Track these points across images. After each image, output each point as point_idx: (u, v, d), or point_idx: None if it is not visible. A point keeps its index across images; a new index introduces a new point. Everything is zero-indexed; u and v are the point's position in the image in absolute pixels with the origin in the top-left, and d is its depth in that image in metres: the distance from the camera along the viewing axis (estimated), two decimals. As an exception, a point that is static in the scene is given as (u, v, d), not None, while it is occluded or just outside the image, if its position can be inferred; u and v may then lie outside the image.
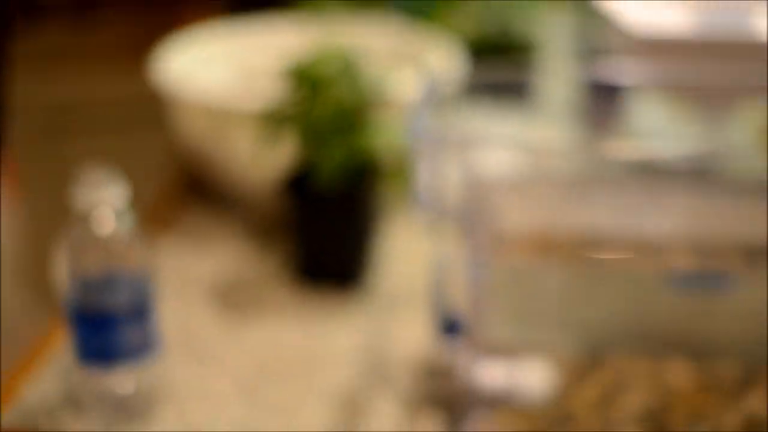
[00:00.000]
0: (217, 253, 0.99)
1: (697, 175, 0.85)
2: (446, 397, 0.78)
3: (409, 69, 1.08)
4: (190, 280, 0.94)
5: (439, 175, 0.73)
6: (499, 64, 1.29)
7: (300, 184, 0.90)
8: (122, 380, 0.71)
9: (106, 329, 0.68)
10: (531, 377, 0.73)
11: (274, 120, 0.90)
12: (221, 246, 1.00)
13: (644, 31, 0.88)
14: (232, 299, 0.91)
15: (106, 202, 0.67)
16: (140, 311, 0.69)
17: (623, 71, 1.31)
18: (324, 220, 0.91)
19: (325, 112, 0.89)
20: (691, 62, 0.91)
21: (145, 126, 1.46)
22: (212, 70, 1.12)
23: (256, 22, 1.22)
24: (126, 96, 1.81)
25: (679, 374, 0.72)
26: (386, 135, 0.90)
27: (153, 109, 1.12)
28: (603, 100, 1.17)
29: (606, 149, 0.99)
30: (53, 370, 0.78)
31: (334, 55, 0.90)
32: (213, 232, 1.03)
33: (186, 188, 1.13)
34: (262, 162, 0.95)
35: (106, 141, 1.85)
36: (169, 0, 2.25)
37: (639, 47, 0.88)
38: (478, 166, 0.78)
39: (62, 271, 0.68)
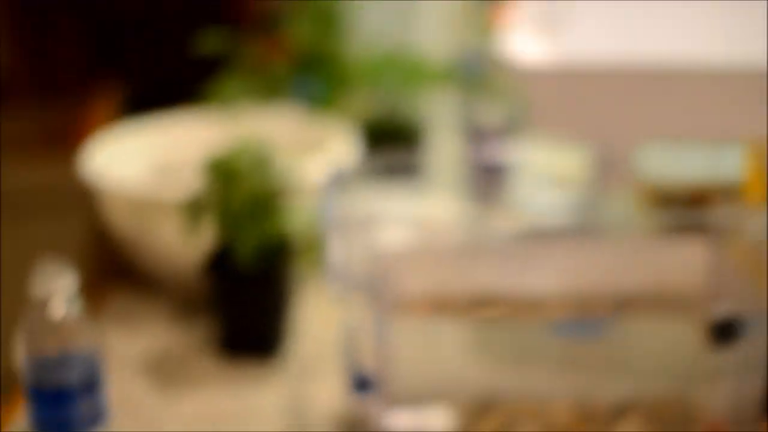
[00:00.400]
0: (147, 331, 1.08)
1: (572, 237, 0.98)
2: (363, 446, 0.88)
3: (312, 155, 1.20)
4: (124, 357, 1.03)
5: (347, 250, 0.85)
6: (393, 146, 1.42)
7: (220, 265, 1.01)
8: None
9: (61, 403, 0.77)
10: (434, 422, 0.84)
11: (193, 209, 1.01)
12: (150, 324, 1.10)
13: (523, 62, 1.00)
14: (164, 372, 1.00)
15: (58, 289, 0.77)
16: (91, 385, 0.79)
17: (506, 149, 1.46)
18: (243, 296, 1.01)
19: (240, 201, 1.00)
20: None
21: (69, 213, 1.54)
22: (133, 164, 1.22)
23: (171, 117, 1.32)
24: (47, 185, 1.88)
25: (561, 410, 0.84)
26: (297, 217, 1.01)
27: (77, 198, 1.21)
28: (488, 176, 1.30)
29: (492, 219, 1.13)
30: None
31: (247, 148, 1.01)
32: (142, 312, 1.12)
33: (114, 272, 1.22)
34: (184, 247, 1.05)
35: (29, 228, 1.91)
36: (75, 92, 2.33)
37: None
38: (379, 240, 0.90)
39: (20, 352, 0.77)
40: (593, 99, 0.89)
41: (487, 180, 1.32)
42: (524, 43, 2.10)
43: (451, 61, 1.54)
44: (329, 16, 1.46)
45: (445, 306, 0.87)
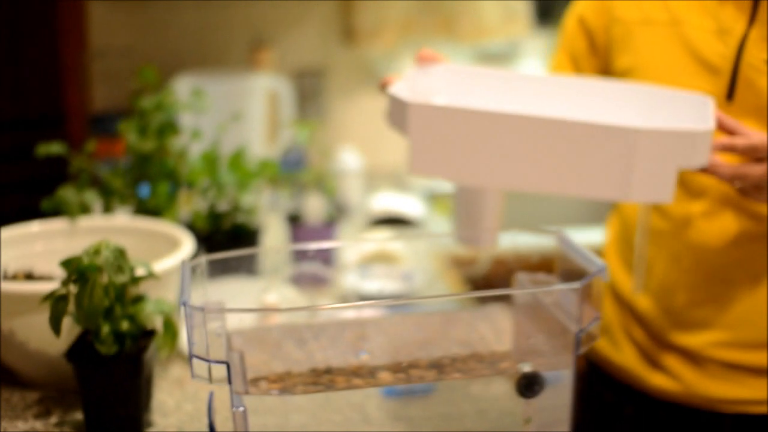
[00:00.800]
0: (17, 423, 1.15)
1: (397, 311, 1.13)
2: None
3: (162, 252, 1.31)
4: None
5: (201, 334, 0.96)
6: (231, 240, 1.54)
7: (83, 352, 1.10)
8: None
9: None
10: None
11: (56, 303, 1.10)
12: (22, 414, 1.17)
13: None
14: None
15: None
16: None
17: (330, 236, 1.61)
18: (105, 381, 1.10)
19: (98, 294, 1.10)
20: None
21: None
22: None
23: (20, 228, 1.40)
24: None
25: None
26: (151, 306, 1.12)
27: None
28: (317, 261, 1.45)
29: (322, 300, 1.26)
30: None
31: (101, 246, 1.12)
32: (11, 404, 1.19)
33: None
34: (49, 339, 1.13)
35: None
36: None
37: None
38: (227, 323, 1.02)
39: None
40: (469, 142, 1.02)
41: (315, 269, 1.46)
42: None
43: (275, 160, 1.69)
44: (164, 123, 1.58)
45: (292, 379, 1.00)
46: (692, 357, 1.36)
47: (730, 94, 1.26)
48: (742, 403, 1.35)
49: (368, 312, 1.21)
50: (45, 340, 1.16)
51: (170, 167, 1.59)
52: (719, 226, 1.31)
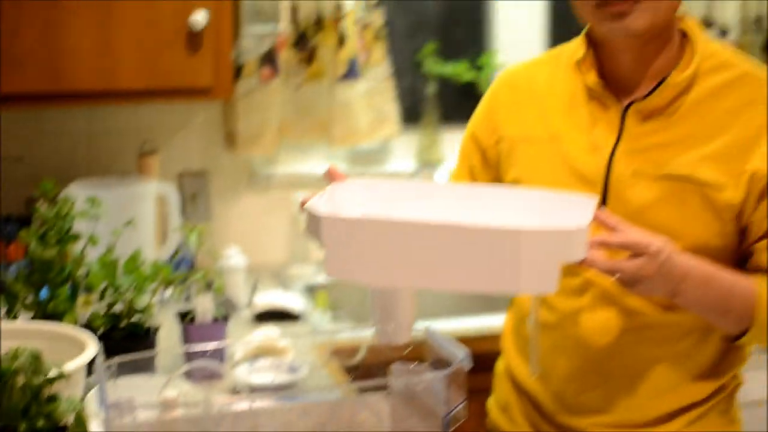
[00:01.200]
0: None
1: (284, 401, 1.27)
2: None
3: (67, 352, 1.42)
4: None
5: (119, 426, 1.09)
6: (126, 341, 1.66)
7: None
8: None
9: None
10: None
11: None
12: None
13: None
14: None
15: None
16: None
17: (220, 333, 1.75)
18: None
19: (16, 395, 1.21)
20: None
21: None
22: None
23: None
24: None
25: None
26: (66, 405, 1.24)
27: None
28: (207, 361, 1.57)
29: (216, 396, 1.40)
30: None
31: (21, 352, 1.23)
32: None
33: None
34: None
35: None
36: None
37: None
38: (136, 418, 1.14)
39: None
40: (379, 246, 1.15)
41: (209, 361, 1.58)
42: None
43: (167, 262, 1.82)
44: (63, 232, 1.70)
45: None
46: None
47: (603, 202, 1.43)
48: None
49: (260, 402, 1.34)
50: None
51: (69, 272, 1.70)
52: (599, 320, 1.46)
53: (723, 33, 3.00)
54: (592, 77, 1.46)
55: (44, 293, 1.71)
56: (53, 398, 1.25)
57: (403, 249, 1.15)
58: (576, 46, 1.50)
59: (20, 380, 1.22)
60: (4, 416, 1.21)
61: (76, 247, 1.73)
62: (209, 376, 1.63)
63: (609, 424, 1.51)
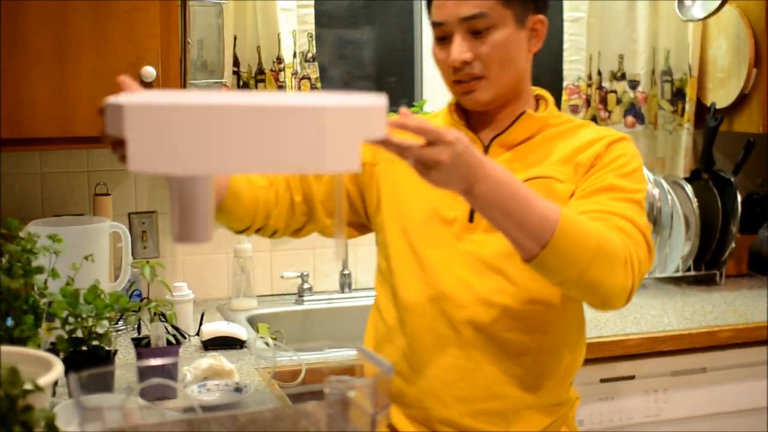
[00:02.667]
0: None
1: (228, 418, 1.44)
2: None
3: (36, 371, 1.58)
4: None
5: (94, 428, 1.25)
6: (87, 363, 1.82)
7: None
8: None
9: None
10: None
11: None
12: None
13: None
14: None
15: None
16: None
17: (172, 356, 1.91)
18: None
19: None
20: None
21: None
22: None
23: None
24: None
25: None
26: (40, 413, 1.40)
27: None
28: (161, 380, 1.73)
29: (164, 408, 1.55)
30: None
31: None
32: None
33: None
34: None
35: None
36: None
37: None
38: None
39: None
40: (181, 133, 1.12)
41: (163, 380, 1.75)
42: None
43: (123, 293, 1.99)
44: (25, 263, 1.86)
45: None
46: None
47: (471, 217, 1.71)
48: None
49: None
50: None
51: (33, 302, 1.86)
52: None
53: (633, 85, 3.26)
54: (459, 122, 1.79)
55: (9, 321, 1.86)
56: (28, 408, 1.41)
57: (208, 134, 1.12)
58: (449, 103, 1.83)
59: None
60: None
61: (39, 279, 1.89)
62: (162, 397, 1.79)
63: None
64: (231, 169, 1.18)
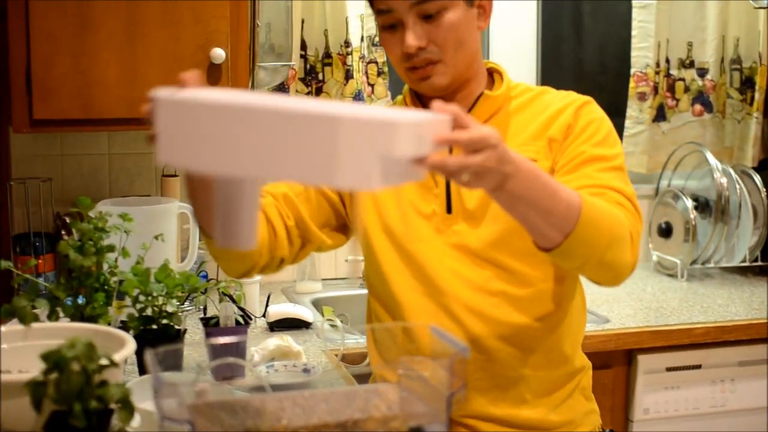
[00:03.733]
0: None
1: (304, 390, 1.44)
2: None
3: (108, 348, 1.60)
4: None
5: (170, 403, 1.26)
6: (158, 341, 1.83)
7: (58, 428, 1.38)
8: None
9: None
10: None
11: (37, 386, 1.38)
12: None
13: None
14: None
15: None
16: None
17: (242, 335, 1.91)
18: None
19: (75, 379, 1.39)
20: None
21: None
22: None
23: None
24: None
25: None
26: (116, 389, 1.41)
27: None
28: (230, 359, 1.74)
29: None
30: None
31: (78, 341, 1.41)
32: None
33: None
34: (21, 421, 1.40)
35: None
36: None
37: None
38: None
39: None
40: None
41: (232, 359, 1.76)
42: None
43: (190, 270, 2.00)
44: (96, 241, 1.88)
45: None
46: None
47: (448, 203, 1.69)
48: None
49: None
50: (16, 421, 1.43)
51: (104, 280, 1.88)
52: None
53: (701, 73, 3.21)
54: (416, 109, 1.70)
55: (80, 299, 1.89)
56: (104, 383, 1.43)
57: (225, 133, 1.13)
58: (404, 92, 1.79)
59: (76, 366, 1.40)
60: (61, 397, 1.38)
61: (110, 258, 1.91)
62: (231, 376, 1.81)
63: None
64: (247, 171, 1.16)
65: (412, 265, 1.72)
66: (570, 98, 1.73)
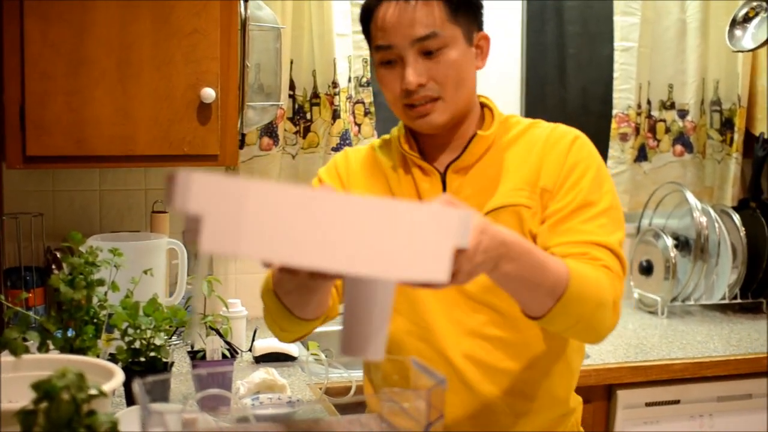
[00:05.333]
0: None
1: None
2: None
3: (97, 380, 1.64)
4: None
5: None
6: (145, 374, 1.87)
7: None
8: None
9: None
10: None
11: (27, 418, 1.42)
12: None
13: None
14: None
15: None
16: None
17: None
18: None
19: (65, 408, 1.43)
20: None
21: None
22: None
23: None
24: None
25: None
26: (105, 418, 1.46)
27: None
28: (216, 390, 1.78)
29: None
30: None
31: (68, 371, 1.45)
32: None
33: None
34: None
35: None
36: None
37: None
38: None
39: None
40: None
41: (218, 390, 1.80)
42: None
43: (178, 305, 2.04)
44: (87, 275, 1.92)
45: None
46: None
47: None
48: None
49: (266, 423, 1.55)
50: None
51: (94, 313, 1.92)
52: None
53: (682, 114, 3.28)
54: (412, 152, 1.73)
55: (70, 332, 1.93)
56: (92, 412, 1.47)
57: (293, 222, 1.06)
58: (398, 131, 1.78)
59: (66, 396, 1.44)
60: (51, 427, 1.42)
61: (100, 292, 1.95)
62: (216, 407, 1.84)
63: None
64: (322, 263, 1.09)
65: (408, 307, 1.72)
66: (558, 134, 1.72)
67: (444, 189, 1.71)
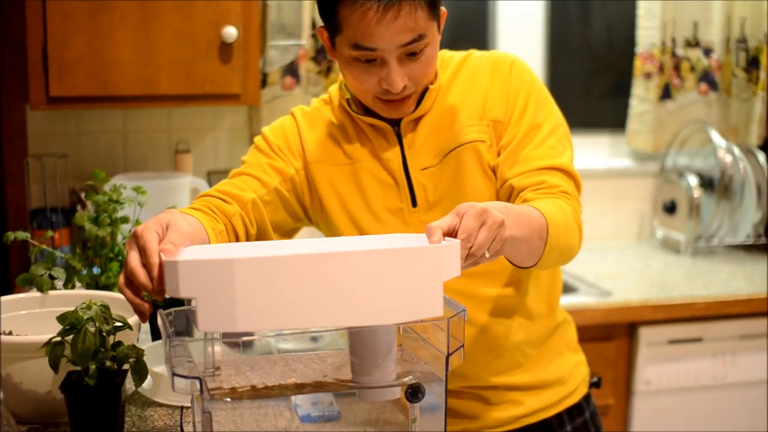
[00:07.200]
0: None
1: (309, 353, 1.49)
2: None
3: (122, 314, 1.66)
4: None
5: (181, 360, 1.31)
6: (169, 308, 1.89)
7: (74, 387, 1.43)
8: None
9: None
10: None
11: (55, 349, 1.44)
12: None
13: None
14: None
15: None
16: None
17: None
18: (91, 408, 1.43)
19: (86, 339, 1.45)
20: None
21: None
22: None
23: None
24: None
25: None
26: (130, 349, 1.48)
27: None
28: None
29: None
30: None
31: (93, 303, 1.47)
32: None
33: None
34: (38, 380, 1.46)
35: None
36: None
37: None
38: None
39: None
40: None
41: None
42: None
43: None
44: (111, 213, 1.94)
45: (237, 393, 1.34)
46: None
47: (414, 203, 1.72)
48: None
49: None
50: (35, 381, 1.50)
51: (119, 250, 1.94)
52: None
53: (707, 53, 3.25)
54: (367, 118, 1.72)
55: (95, 269, 1.95)
56: (118, 344, 1.49)
57: (286, 287, 1.09)
58: (340, 96, 1.76)
59: (91, 327, 1.45)
60: (77, 357, 1.44)
61: (124, 229, 1.97)
62: (240, 342, 1.85)
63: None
64: (316, 323, 1.15)
65: None
66: (495, 61, 1.75)
67: (400, 143, 1.73)
